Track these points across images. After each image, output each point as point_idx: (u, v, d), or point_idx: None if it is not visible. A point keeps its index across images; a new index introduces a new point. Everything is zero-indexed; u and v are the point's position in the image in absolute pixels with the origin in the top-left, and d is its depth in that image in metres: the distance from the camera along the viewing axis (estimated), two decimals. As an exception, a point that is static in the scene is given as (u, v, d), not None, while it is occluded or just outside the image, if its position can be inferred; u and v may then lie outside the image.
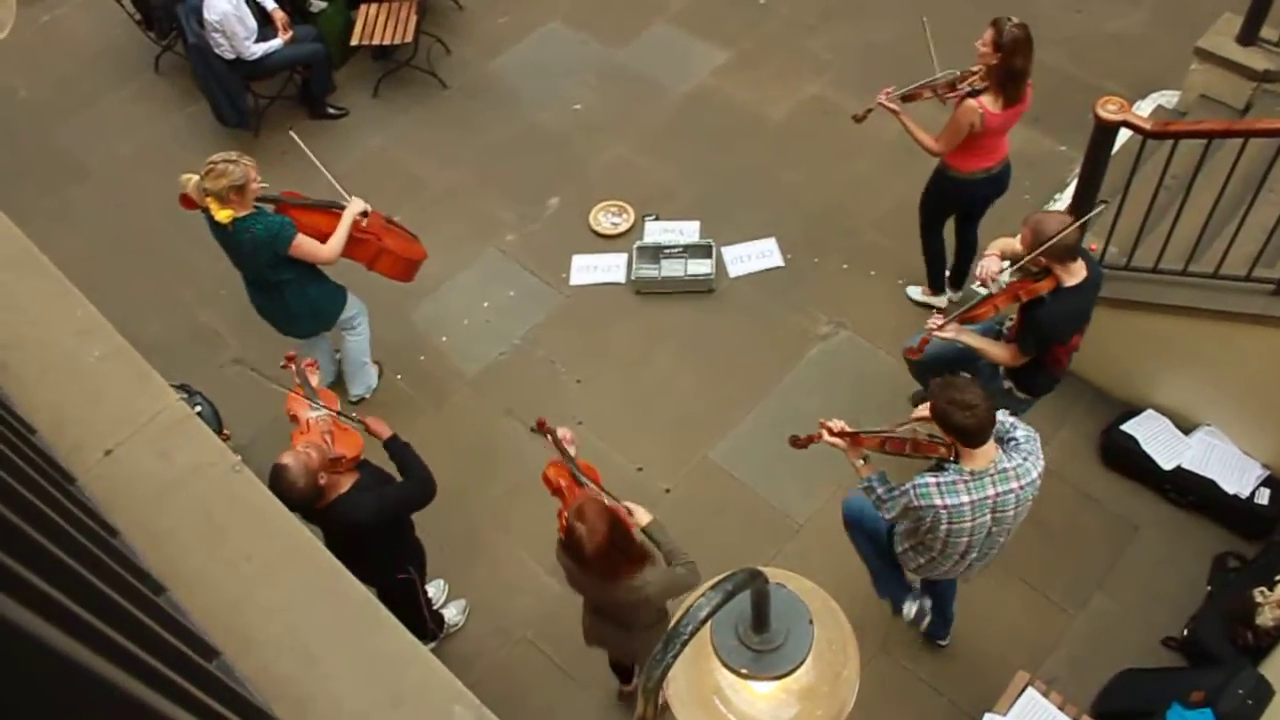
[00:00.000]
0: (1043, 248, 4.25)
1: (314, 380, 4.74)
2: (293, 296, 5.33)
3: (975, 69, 5.08)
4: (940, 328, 4.58)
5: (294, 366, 4.69)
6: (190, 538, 2.23)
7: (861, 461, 4.10)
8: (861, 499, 4.37)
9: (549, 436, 4.37)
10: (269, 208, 5.11)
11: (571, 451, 4.36)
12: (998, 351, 4.67)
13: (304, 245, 5.09)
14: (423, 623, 4.91)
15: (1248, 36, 6.17)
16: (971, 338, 4.65)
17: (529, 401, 5.90)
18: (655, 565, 3.87)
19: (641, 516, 4.06)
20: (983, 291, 4.68)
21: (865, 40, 7.84)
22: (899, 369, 5.96)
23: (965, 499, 3.74)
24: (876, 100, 5.36)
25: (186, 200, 5.01)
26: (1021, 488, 3.77)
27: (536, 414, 4.54)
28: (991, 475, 3.73)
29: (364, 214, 5.32)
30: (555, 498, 4.35)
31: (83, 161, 7.57)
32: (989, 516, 3.82)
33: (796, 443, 4.32)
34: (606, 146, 7.38)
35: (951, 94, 5.18)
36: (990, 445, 3.74)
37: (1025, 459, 3.77)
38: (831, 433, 4.10)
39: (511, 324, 6.43)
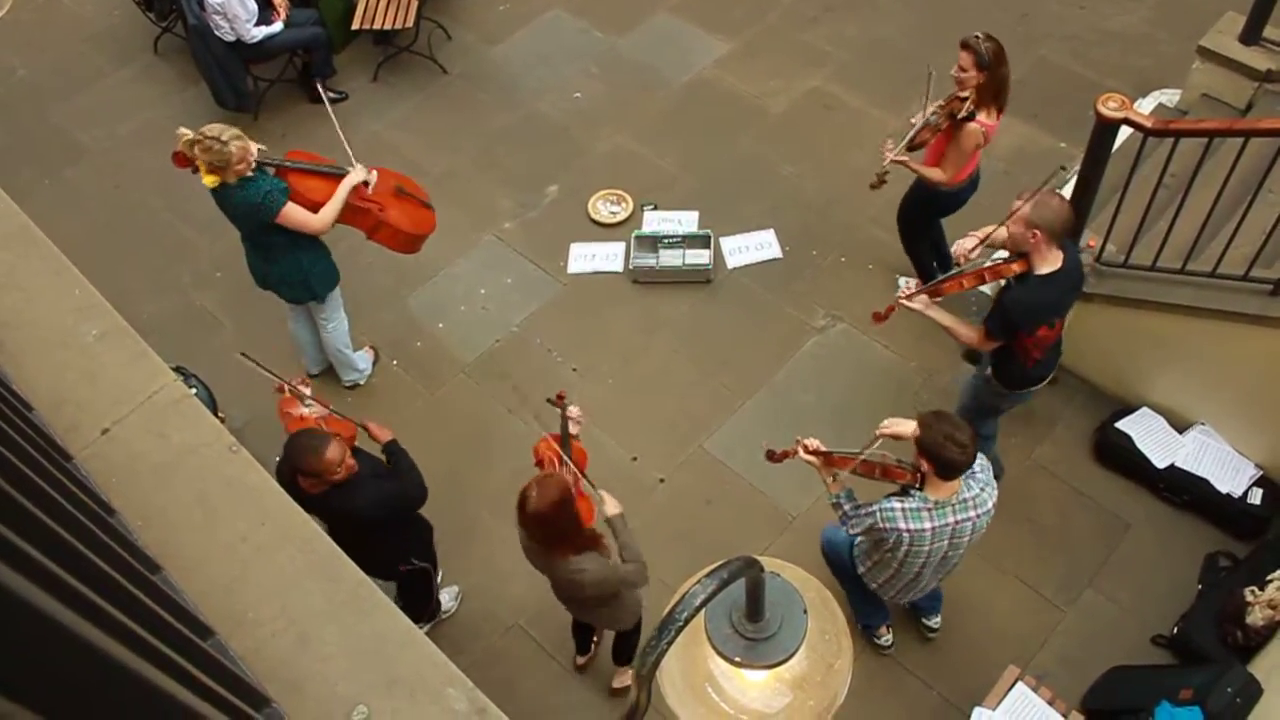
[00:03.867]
0: (1015, 213, 4.25)
1: (307, 392, 4.71)
2: (283, 259, 5.27)
3: (962, 94, 5.08)
4: (909, 298, 4.61)
5: (286, 388, 4.65)
6: (186, 517, 2.24)
7: (831, 479, 4.27)
8: (834, 531, 4.60)
9: (562, 411, 4.54)
10: (270, 170, 5.03)
11: (574, 430, 4.58)
12: (966, 332, 4.66)
13: (293, 215, 4.99)
14: (433, 607, 5.00)
15: (1250, 36, 6.15)
16: (939, 314, 4.65)
17: (525, 389, 5.91)
18: (599, 555, 4.04)
19: (610, 507, 4.25)
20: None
21: (867, 34, 7.83)
22: (895, 363, 5.99)
23: (928, 525, 3.92)
24: (885, 160, 5.31)
25: (179, 157, 4.88)
26: (978, 516, 3.97)
27: (534, 401, 4.59)
28: (954, 505, 3.92)
29: (366, 183, 5.22)
30: (538, 469, 4.50)
31: (81, 142, 7.55)
32: (946, 542, 4.01)
33: (772, 457, 4.47)
34: (606, 135, 7.37)
35: (949, 123, 5.20)
36: (957, 481, 3.91)
37: (982, 489, 3.97)
38: (807, 450, 4.25)
39: (508, 311, 6.43)
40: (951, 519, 3.93)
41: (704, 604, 1.80)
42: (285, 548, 2.23)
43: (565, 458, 4.47)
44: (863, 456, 4.14)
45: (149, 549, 2.04)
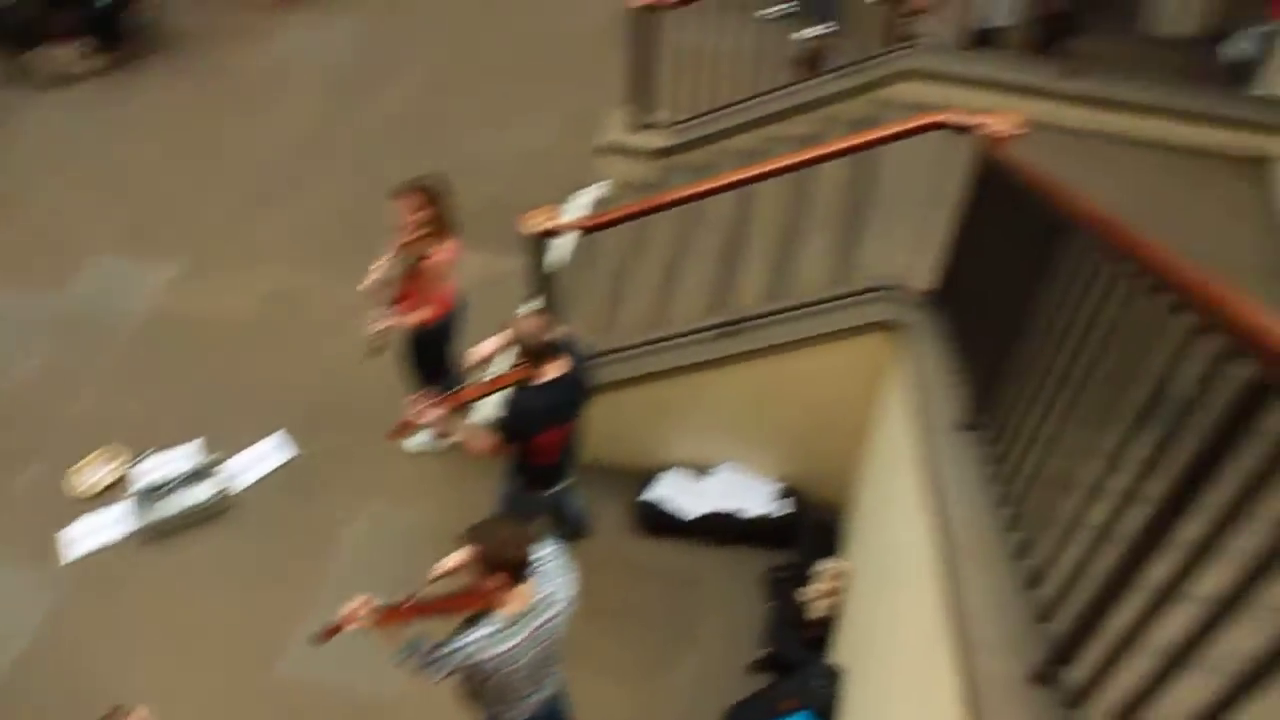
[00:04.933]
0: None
1: None
2: None
3: (414, 236, 5.33)
4: (420, 412, 4.58)
5: None
6: None
7: (392, 635, 3.85)
8: None
9: None
10: None
11: None
12: (482, 439, 4.72)
13: None
14: None
15: (637, 125, 6.86)
16: (454, 424, 4.68)
17: (72, 697, 5.24)
18: None
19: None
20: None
21: (307, 218, 7.95)
22: (436, 517, 5.97)
23: (513, 643, 3.68)
24: (372, 331, 5.46)
25: None
26: (558, 613, 3.79)
27: (84, 710, 3.98)
28: (531, 613, 3.71)
29: None
30: None
31: None
32: (539, 648, 3.79)
33: (322, 637, 4.08)
34: (75, 398, 6.81)
35: (413, 267, 5.40)
36: (529, 582, 3.70)
37: (557, 580, 3.79)
38: (358, 615, 3.86)
39: (17, 623, 5.68)
40: (533, 626, 3.70)
41: None
42: None
43: None
44: (426, 599, 3.83)
45: None
